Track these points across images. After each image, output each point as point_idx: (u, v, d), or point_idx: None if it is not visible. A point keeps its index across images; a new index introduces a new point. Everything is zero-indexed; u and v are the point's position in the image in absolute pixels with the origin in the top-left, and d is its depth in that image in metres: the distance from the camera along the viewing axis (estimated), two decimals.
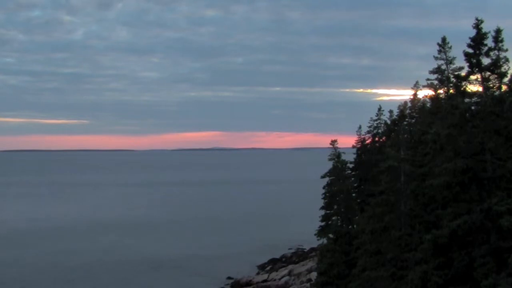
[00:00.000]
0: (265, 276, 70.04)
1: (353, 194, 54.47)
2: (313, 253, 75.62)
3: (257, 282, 67.59)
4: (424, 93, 49.48)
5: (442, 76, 42.57)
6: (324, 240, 52.04)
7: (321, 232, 52.02)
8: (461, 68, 39.91)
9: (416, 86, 56.18)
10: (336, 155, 51.32)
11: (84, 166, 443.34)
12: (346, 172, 53.49)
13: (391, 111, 59.78)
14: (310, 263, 68.93)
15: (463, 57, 33.66)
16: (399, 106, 58.67)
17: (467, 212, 31.20)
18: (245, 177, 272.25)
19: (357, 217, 48.87)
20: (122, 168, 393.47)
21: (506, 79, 33.21)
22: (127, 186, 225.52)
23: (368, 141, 63.44)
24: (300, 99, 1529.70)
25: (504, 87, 33.36)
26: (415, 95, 56.56)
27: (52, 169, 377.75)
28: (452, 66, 41.89)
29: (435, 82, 43.55)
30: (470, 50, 33.04)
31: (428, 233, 32.23)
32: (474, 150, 32.03)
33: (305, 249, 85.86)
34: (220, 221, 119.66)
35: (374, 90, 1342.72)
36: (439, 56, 41.98)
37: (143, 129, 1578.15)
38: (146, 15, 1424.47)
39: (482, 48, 32.88)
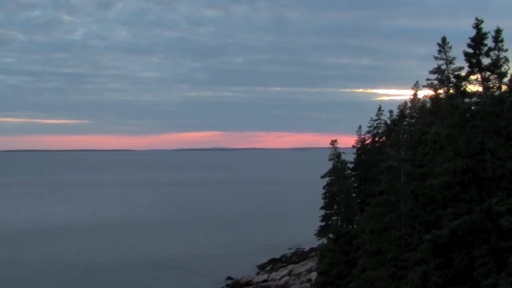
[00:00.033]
0: (265, 276, 70.06)
1: (353, 194, 54.46)
2: (313, 253, 75.63)
3: (257, 282, 67.60)
4: (424, 93, 49.56)
5: (442, 76, 42.57)
6: (324, 240, 52.04)
7: (321, 232, 52.02)
8: (461, 68, 39.93)
9: (416, 86, 56.22)
10: (336, 155, 51.32)
11: (84, 166, 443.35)
12: (346, 172, 53.49)
13: (391, 111, 59.85)
14: (310, 263, 68.94)
15: (463, 57, 33.68)
16: (399, 106, 58.73)
17: (467, 212, 31.20)
18: (245, 177, 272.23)
19: (357, 217, 48.87)
20: (122, 168, 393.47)
21: (506, 79, 33.22)
22: (127, 186, 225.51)
23: (368, 141, 63.45)
24: (300, 99, 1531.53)
25: (504, 87, 33.36)
26: (415, 95, 56.58)
27: (52, 169, 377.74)
28: (452, 66, 41.91)
29: (435, 82, 43.56)
30: (470, 50, 33.05)
31: (428, 233, 32.23)
32: (474, 150, 32.03)
33: (305, 249, 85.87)
34: (220, 221, 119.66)
35: (374, 90, 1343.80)
36: (439, 56, 41.99)
37: (143, 129, 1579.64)
38: (146, 15, 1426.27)
39: (482, 48, 32.89)
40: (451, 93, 39.80)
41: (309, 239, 73.90)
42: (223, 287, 68.48)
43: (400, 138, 39.07)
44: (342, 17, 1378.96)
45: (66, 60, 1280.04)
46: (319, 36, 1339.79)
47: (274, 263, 77.94)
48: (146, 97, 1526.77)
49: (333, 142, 51.42)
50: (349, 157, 56.05)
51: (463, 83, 33.80)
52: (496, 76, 33.06)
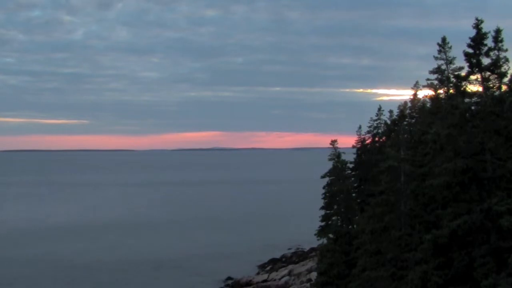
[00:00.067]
0: (265, 276, 70.07)
1: (353, 194, 54.45)
2: (313, 253, 75.63)
3: (257, 282, 67.62)
4: (424, 93, 49.56)
5: (442, 76, 42.58)
6: (324, 240, 52.04)
7: (321, 232, 52.02)
8: (461, 68, 39.94)
9: (416, 86, 56.22)
10: (336, 155, 51.32)
11: (84, 166, 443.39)
12: (346, 172, 53.49)
13: (391, 111, 59.84)
14: (310, 263, 68.94)
15: (463, 57, 33.69)
16: (399, 106, 58.72)
17: (467, 212, 31.20)
18: (245, 177, 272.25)
19: (357, 217, 48.87)
20: (122, 168, 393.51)
21: (506, 79, 33.22)
22: (127, 186, 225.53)
23: (368, 141, 63.44)
24: (300, 99, 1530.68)
25: (504, 87, 33.37)
26: (415, 95, 56.58)
27: (52, 169, 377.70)
28: (452, 66, 41.92)
29: (435, 82, 43.57)
30: (470, 50, 33.05)
31: (428, 233, 32.23)
32: (474, 150, 32.03)
33: (305, 249, 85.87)
34: (220, 221, 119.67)
35: (374, 90, 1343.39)
36: (439, 56, 42.00)
37: (143, 129, 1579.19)
38: (146, 15, 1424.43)
39: (482, 48, 32.90)
40: (451, 93, 39.80)
41: (309, 239, 73.90)
42: (223, 287, 68.49)
43: (400, 138, 39.08)
44: (342, 17, 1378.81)
45: (66, 60, 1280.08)
46: (319, 36, 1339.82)
47: (274, 263, 77.95)
48: (146, 97, 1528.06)
49: (333, 142, 51.43)
50: (349, 157, 56.06)
51: (463, 83, 33.81)
52: (496, 76, 33.07)
